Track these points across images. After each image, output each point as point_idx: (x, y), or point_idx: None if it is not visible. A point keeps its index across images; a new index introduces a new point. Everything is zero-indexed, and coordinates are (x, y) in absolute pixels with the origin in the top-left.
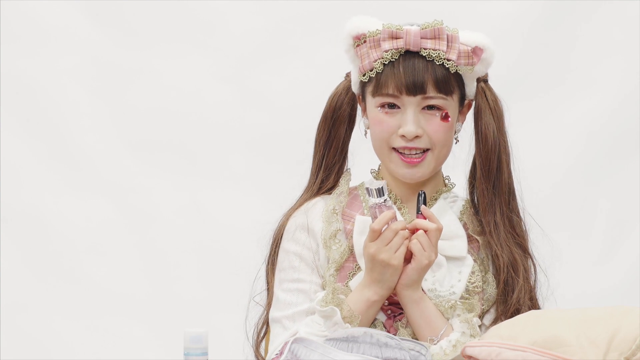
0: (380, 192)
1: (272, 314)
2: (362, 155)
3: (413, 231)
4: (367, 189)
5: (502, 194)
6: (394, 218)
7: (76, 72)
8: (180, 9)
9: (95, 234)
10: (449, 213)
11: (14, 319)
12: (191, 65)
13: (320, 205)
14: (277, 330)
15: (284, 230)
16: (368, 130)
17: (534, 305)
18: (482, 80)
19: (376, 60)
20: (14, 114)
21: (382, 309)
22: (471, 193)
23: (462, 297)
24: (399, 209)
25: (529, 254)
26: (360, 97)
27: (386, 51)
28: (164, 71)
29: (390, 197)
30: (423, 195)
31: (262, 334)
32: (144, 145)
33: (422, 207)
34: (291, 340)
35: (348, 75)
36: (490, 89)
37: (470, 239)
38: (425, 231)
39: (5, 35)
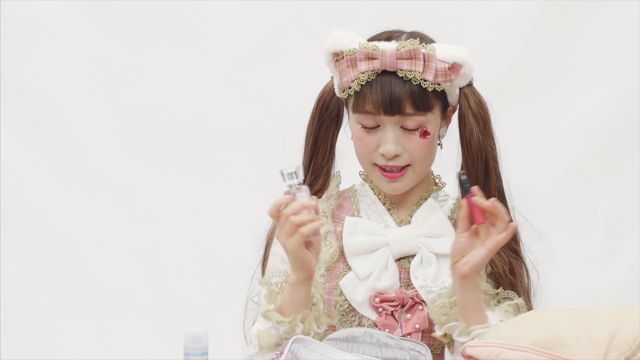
0: (291, 175)
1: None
2: (352, 156)
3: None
4: (280, 171)
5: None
6: (289, 202)
7: (76, 72)
8: (180, 8)
9: (95, 234)
10: (438, 212)
11: (14, 319)
12: (191, 65)
13: None
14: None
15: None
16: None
17: (530, 305)
18: (466, 85)
19: (353, 81)
20: (14, 114)
21: (373, 307)
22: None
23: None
24: (388, 209)
25: (521, 257)
26: (345, 103)
27: (362, 72)
28: (164, 71)
29: (302, 181)
30: (463, 175)
31: None
32: (144, 145)
33: (473, 187)
34: (291, 340)
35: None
36: (473, 92)
37: None
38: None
39: (5, 35)
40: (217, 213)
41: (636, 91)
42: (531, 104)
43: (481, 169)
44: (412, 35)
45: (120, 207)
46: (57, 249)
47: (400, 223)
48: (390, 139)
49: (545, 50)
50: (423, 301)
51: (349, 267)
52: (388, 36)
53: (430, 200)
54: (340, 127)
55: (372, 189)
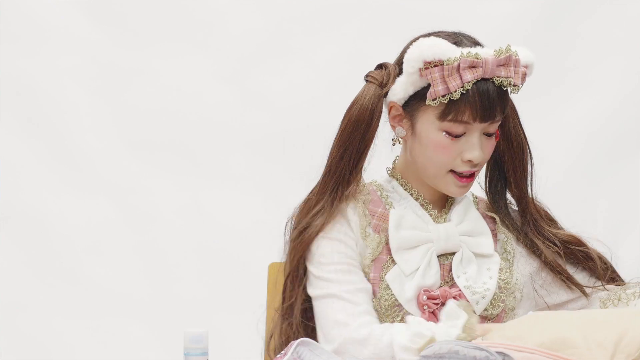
0: None
1: (327, 291)
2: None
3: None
4: None
5: (531, 189)
6: None
7: (76, 72)
8: (179, 9)
9: (95, 234)
10: (473, 210)
11: (14, 319)
12: (191, 65)
13: (350, 204)
14: (337, 303)
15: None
16: (399, 139)
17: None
18: None
19: (456, 90)
20: (14, 114)
21: (418, 303)
22: (491, 191)
23: (495, 294)
24: (422, 205)
25: (571, 234)
26: (403, 109)
27: (468, 82)
28: (164, 71)
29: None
30: None
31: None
32: (144, 145)
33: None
34: (297, 342)
35: (370, 77)
36: None
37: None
38: None
39: (5, 35)
40: (217, 213)
41: (636, 91)
42: (531, 104)
43: (527, 162)
44: (467, 37)
45: (120, 207)
46: (57, 249)
47: (436, 219)
48: (478, 145)
49: (545, 50)
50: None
51: (393, 260)
52: (455, 41)
53: (467, 198)
54: (375, 132)
55: (402, 185)
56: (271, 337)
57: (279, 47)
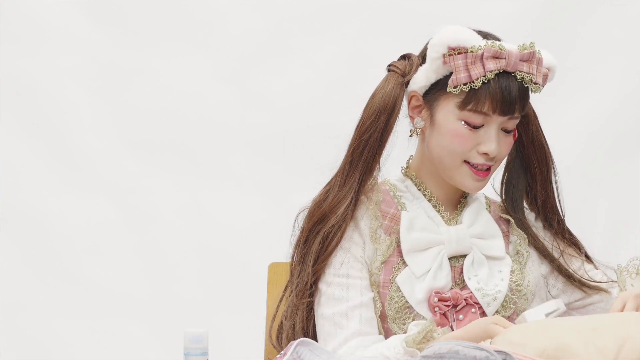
0: None
1: (322, 311)
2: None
3: None
4: None
5: (556, 190)
6: None
7: (76, 72)
8: (180, 9)
9: (95, 234)
10: (484, 213)
11: (14, 319)
12: (191, 65)
13: (362, 203)
14: (328, 328)
15: (317, 218)
16: (417, 131)
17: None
18: None
19: (478, 78)
20: (14, 114)
21: (430, 305)
22: (508, 194)
23: (506, 296)
24: (434, 206)
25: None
26: (422, 98)
27: (491, 71)
28: (164, 71)
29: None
30: None
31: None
32: (144, 145)
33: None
34: (297, 342)
35: (392, 66)
36: None
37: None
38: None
39: (5, 35)
40: (217, 213)
41: (636, 91)
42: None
43: (551, 167)
44: (492, 35)
45: (120, 207)
46: (57, 249)
47: (448, 221)
48: (495, 138)
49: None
50: (477, 303)
51: (404, 262)
52: (481, 34)
53: (476, 201)
54: (396, 120)
55: (415, 184)
56: (274, 321)
57: (279, 47)
